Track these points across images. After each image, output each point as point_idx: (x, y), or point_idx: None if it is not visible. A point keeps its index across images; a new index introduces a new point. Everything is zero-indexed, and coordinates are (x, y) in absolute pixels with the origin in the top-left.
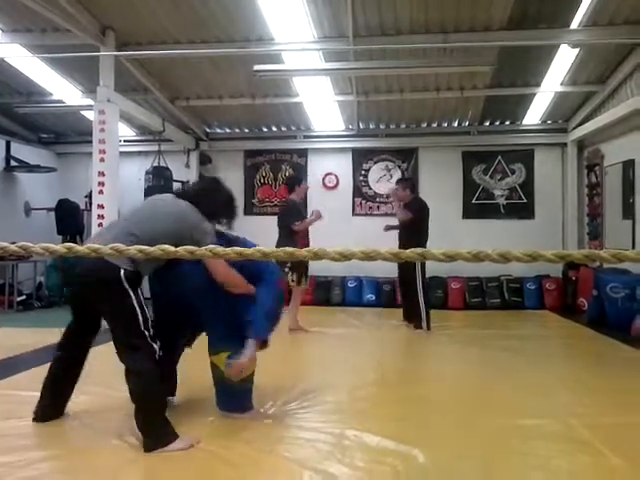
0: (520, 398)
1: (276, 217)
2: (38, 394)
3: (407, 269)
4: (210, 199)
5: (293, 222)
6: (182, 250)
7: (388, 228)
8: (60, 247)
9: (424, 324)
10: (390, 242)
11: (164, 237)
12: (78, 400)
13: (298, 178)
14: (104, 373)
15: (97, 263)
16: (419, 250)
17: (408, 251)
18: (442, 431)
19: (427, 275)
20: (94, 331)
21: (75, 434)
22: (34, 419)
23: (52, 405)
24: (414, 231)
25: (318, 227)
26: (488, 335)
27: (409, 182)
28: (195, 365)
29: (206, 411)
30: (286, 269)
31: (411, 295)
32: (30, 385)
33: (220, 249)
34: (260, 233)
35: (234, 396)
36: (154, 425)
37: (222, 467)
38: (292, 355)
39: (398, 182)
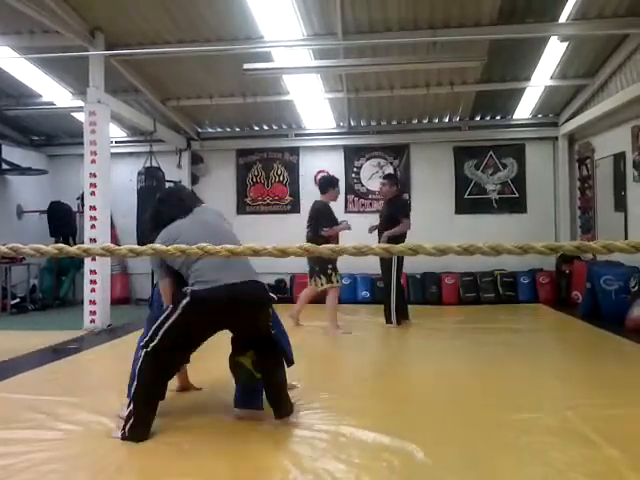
0: (515, 391)
1: (271, 215)
2: (33, 397)
3: (384, 264)
4: None
5: (322, 227)
6: (173, 249)
7: (372, 229)
8: (50, 248)
9: (393, 318)
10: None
11: None
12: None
13: (333, 181)
14: (103, 377)
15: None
16: (411, 244)
17: (400, 246)
18: (438, 426)
19: (421, 271)
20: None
21: (73, 436)
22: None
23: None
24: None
25: None
26: (483, 330)
27: (395, 178)
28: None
29: (201, 409)
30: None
31: (385, 290)
32: (24, 389)
33: (210, 247)
34: (253, 232)
35: (254, 395)
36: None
37: (217, 463)
38: None
39: (386, 178)
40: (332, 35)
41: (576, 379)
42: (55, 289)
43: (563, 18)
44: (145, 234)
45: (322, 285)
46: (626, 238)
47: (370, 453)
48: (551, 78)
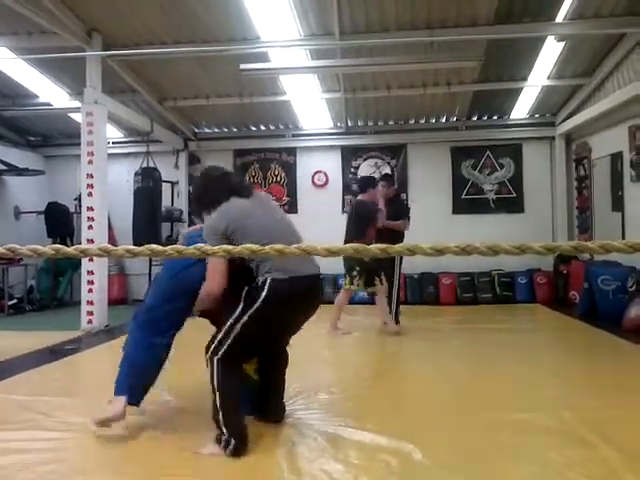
0: (513, 392)
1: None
2: (30, 398)
3: (388, 264)
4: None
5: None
6: (170, 249)
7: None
8: (48, 248)
9: (394, 318)
10: None
11: None
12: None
13: (373, 180)
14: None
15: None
16: (408, 245)
17: (397, 246)
18: (435, 426)
19: (418, 271)
20: None
21: (71, 436)
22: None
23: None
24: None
25: (307, 225)
26: (480, 330)
27: (392, 178)
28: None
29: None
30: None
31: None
32: (22, 389)
33: (208, 247)
34: None
35: (253, 401)
36: None
37: (214, 464)
38: None
39: (383, 179)
40: (329, 35)
41: (573, 379)
42: (52, 290)
43: (560, 18)
44: (193, 211)
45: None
46: (623, 238)
47: (368, 453)
48: (548, 78)
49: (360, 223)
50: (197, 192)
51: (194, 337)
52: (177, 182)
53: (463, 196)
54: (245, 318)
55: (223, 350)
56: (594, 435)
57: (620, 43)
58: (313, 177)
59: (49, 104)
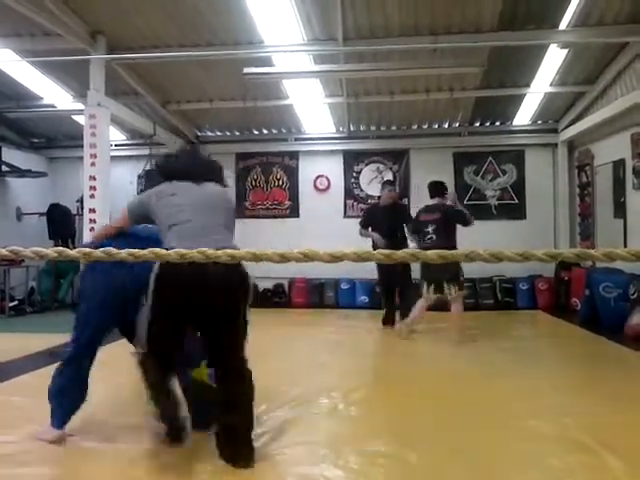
0: (514, 398)
1: (270, 220)
2: (30, 400)
3: (404, 268)
4: None
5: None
6: (174, 253)
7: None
8: (50, 251)
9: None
10: None
11: None
12: None
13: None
14: (100, 380)
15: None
16: (412, 251)
17: (400, 252)
18: (436, 432)
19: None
20: None
21: (70, 439)
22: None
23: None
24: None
25: (310, 229)
26: (481, 336)
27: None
28: None
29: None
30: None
31: (409, 293)
32: (22, 391)
33: (211, 252)
34: (252, 236)
35: (209, 412)
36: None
37: (211, 464)
38: (286, 357)
39: (391, 184)
40: (332, 40)
41: (575, 386)
42: (53, 291)
43: (563, 25)
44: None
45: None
46: (625, 245)
47: (368, 459)
48: (551, 85)
49: (453, 228)
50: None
51: None
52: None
53: (465, 202)
54: (149, 304)
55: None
56: (595, 442)
57: (623, 51)
58: (315, 181)
59: (53, 106)
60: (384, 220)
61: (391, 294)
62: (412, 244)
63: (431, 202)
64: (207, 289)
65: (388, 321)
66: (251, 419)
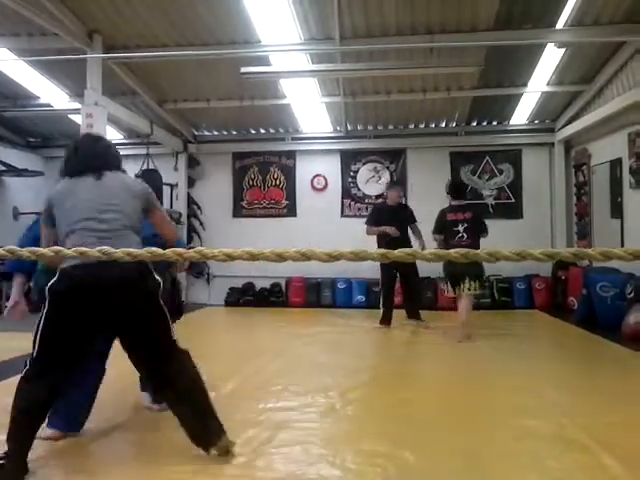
0: (511, 398)
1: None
2: None
3: (414, 271)
4: None
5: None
6: (170, 252)
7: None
8: (47, 250)
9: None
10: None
11: None
12: None
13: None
14: None
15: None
16: (408, 250)
17: (397, 251)
18: (433, 432)
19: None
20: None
21: (67, 439)
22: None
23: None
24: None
25: (307, 229)
26: (478, 335)
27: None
28: None
29: None
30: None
31: (417, 293)
32: None
33: (208, 251)
34: (249, 235)
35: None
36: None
37: (207, 463)
38: (283, 357)
39: (397, 185)
40: (329, 40)
41: (572, 386)
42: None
43: (560, 24)
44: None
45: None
46: (622, 245)
47: (365, 458)
48: (548, 84)
49: (479, 229)
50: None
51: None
52: (176, 184)
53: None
54: (42, 319)
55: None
56: (592, 441)
57: (620, 50)
58: (312, 181)
59: (49, 105)
60: (393, 219)
61: (392, 294)
62: (434, 243)
63: (455, 203)
64: (103, 293)
65: (385, 321)
66: (206, 396)
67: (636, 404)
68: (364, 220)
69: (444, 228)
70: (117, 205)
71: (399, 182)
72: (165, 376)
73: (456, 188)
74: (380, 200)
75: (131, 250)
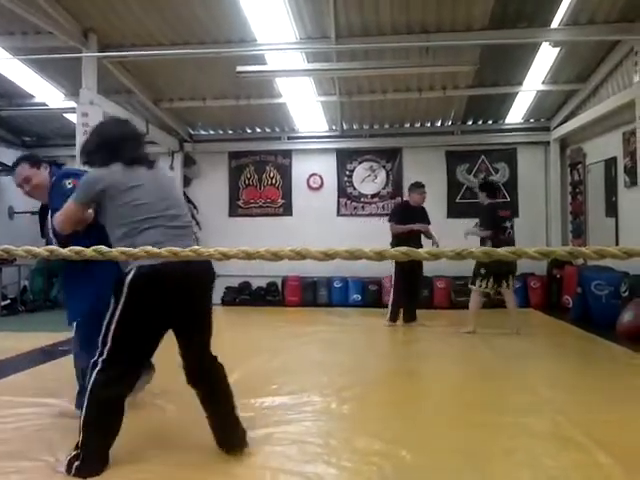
0: (506, 396)
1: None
2: (21, 399)
3: (419, 266)
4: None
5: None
6: (165, 251)
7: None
8: (42, 250)
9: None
10: (375, 242)
11: None
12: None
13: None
14: None
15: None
16: (404, 249)
17: (392, 250)
18: (429, 430)
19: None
20: None
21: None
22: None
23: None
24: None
25: (303, 228)
26: (474, 334)
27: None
28: None
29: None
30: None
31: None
32: (13, 391)
33: (204, 250)
34: (245, 234)
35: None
36: None
37: (205, 463)
38: (280, 356)
39: (422, 187)
40: (325, 38)
41: (567, 384)
42: (46, 291)
43: (555, 23)
44: (82, 158)
45: (470, 285)
46: (617, 243)
47: (361, 457)
48: (543, 83)
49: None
50: (93, 140)
51: None
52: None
53: (457, 200)
54: (117, 314)
55: (103, 358)
56: (588, 439)
57: (615, 49)
58: (308, 180)
59: (44, 104)
60: (417, 220)
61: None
62: (470, 238)
63: (499, 200)
64: (191, 289)
65: (412, 318)
66: (234, 407)
67: (631, 402)
68: (360, 219)
69: (496, 224)
70: (179, 200)
71: (421, 183)
72: (206, 366)
73: (493, 187)
74: (403, 199)
75: (125, 249)
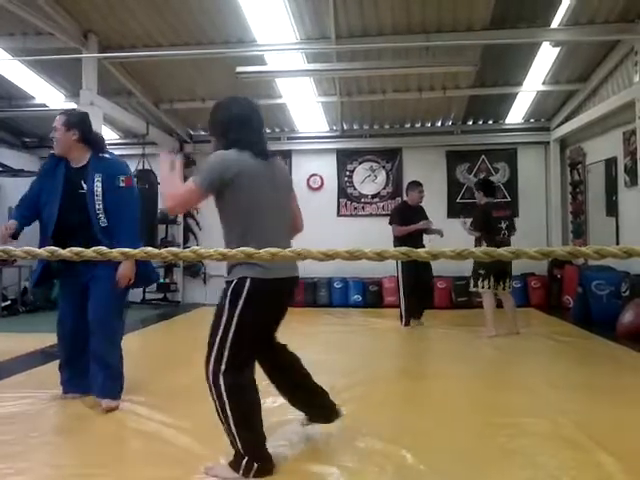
0: (507, 396)
1: None
2: (23, 401)
3: (429, 266)
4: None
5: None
6: (165, 252)
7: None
8: (42, 251)
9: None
10: (375, 242)
11: None
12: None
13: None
14: None
15: None
16: (404, 249)
17: (392, 250)
18: (430, 430)
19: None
20: None
21: (65, 440)
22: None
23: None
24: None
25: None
26: (474, 334)
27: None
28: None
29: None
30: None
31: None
32: (13, 391)
33: (204, 250)
34: None
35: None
36: None
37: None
38: None
39: (420, 185)
40: (325, 39)
41: (568, 384)
42: (46, 292)
43: (555, 23)
44: (211, 129)
45: (472, 287)
46: (617, 243)
47: (362, 457)
48: (543, 83)
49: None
50: (218, 119)
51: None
52: None
53: (458, 200)
54: (233, 325)
55: (225, 366)
56: (588, 439)
57: (615, 49)
58: (308, 180)
59: (45, 105)
60: (419, 219)
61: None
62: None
63: (495, 200)
64: (293, 291)
65: (418, 315)
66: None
67: (631, 402)
68: (360, 219)
69: (488, 225)
70: (288, 201)
71: (418, 182)
72: (280, 346)
73: (490, 186)
74: (402, 200)
75: (125, 250)
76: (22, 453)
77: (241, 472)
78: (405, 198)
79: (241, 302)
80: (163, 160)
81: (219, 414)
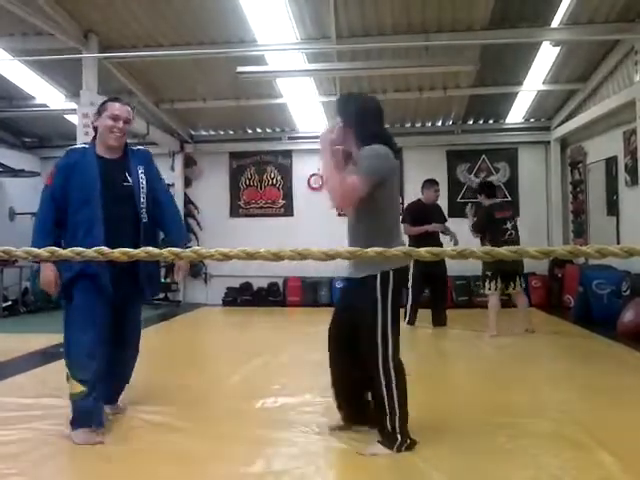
0: (508, 395)
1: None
2: (25, 401)
3: (444, 266)
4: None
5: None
6: (166, 252)
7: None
8: (42, 251)
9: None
10: None
11: None
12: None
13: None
14: None
15: None
16: (404, 249)
17: (393, 249)
18: (430, 429)
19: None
20: None
21: (66, 440)
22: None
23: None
24: None
25: (304, 228)
26: (475, 333)
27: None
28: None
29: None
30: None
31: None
32: (15, 392)
33: (205, 250)
34: (246, 235)
35: None
36: None
37: (202, 465)
38: (282, 356)
39: (435, 184)
40: (326, 39)
41: (569, 383)
42: (47, 292)
43: (555, 23)
44: (346, 120)
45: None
46: (618, 242)
47: (363, 457)
48: (543, 83)
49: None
50: (352, 109)
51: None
52: (173, 184)
53: (458, 199)
54: (389, 310)
55: (392, 358)
56: (589, 438)
57: (615, 49)
58: (309, 180)
59: (45, 105)
60: (432, 219)
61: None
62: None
63: (498, 200)
64: None
65: (440, 322)
66: None
67: (632, 401)
68: None
69: (492, 226)
70: None
71: (434, 180)
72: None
73: (492, 187)
74: (416, 198)
75: (127, 250)
76: (22, 453)
77: (395, 448)
78: (420, 197)
79: (390, 292)
80: (324, 141)
81: (384, 400)
